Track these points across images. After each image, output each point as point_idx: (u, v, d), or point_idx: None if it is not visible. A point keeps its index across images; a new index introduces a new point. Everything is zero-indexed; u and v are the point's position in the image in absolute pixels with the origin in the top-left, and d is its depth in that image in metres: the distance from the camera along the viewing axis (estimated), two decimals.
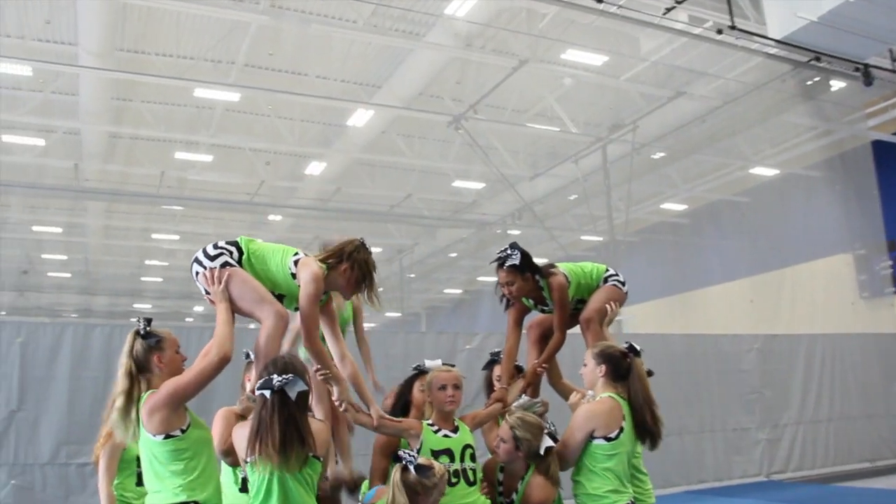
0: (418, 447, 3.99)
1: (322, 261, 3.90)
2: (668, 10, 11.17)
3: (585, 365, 4.16)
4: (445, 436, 4.08)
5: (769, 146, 18.66)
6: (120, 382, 3.50)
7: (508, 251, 4.58)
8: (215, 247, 3.85)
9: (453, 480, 3.94)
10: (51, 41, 13.87)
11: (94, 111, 15.74)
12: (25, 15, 13.12)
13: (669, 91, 15.37)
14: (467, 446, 4.11)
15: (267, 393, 3.26)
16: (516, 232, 22.55)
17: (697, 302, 22.03)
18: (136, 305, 32.70)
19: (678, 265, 22.18)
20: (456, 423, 4.18)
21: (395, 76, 15.16)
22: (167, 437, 3.36)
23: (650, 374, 4.18)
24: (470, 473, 4.05)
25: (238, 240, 3.93)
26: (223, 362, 3.44)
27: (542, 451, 3.93)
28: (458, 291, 31.61)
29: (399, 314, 28.77)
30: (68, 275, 27.87)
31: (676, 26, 11.90)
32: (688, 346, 10.98)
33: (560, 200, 21.11)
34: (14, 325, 7.03)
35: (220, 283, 3.71)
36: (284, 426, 3.22)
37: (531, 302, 4.77)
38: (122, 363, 3.54)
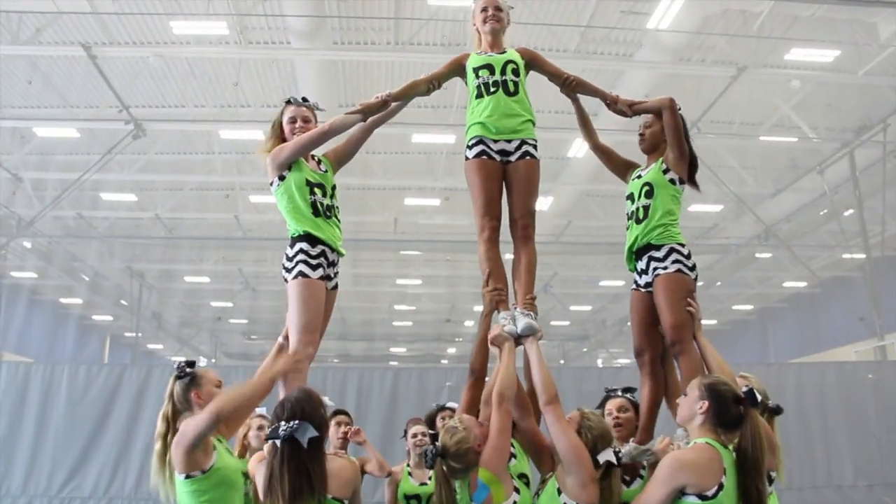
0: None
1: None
2: None
3: (686, 394, 3.42)
4: (488, 55, 4.30)
5: None
6: (158, 426, 3.55)
7: None
8: (292, 245, 3.99)
9: (492, 90, 4.17)
10: (278, 106, 14.95)
11: None
12: (254, 84, 14.27)
13: None
14: (510, 62, 4.25)
15: (277, 441, 3.04)
16: (766, 255, 20.90)
17: None
18: (392, 349, 34.24)
19: None
20: (505, 48, 4.35)
21: None
22: (187, 476, 3.29)
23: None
24: (511, 84, 4.19)
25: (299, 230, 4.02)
26: (214, 416, 3.27)
27: (599, 460, 3.39)
28: (713, 322, 29.76)
29: None
30: None
31: None
32: None
33: (810, 217, 19.21)
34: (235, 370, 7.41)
35: None
36: (294, 476, 2.98)
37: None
38: (163, 407, 3.59)
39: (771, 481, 3.64)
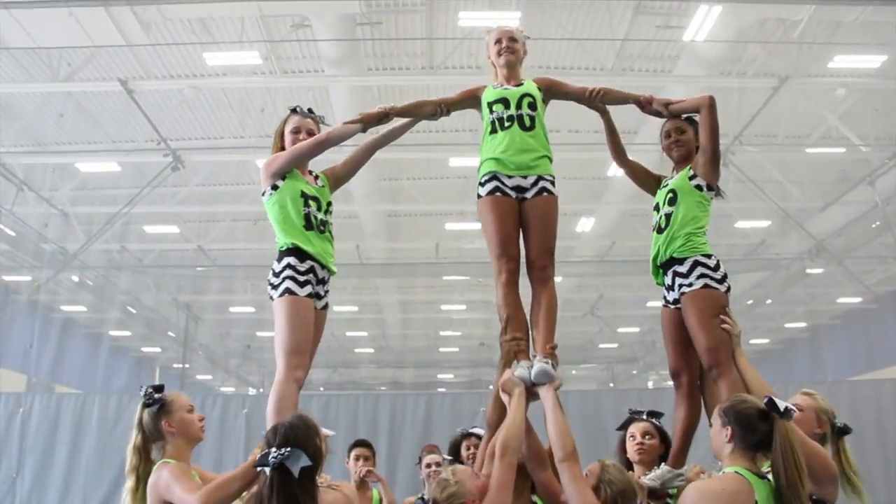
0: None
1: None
2: None
3: (711, 425, 3.13)
4: (504, 88, 4.11)
5: None
6: (128, 460, 3.39)
7: None
8: (279, 259, 3.82)
9: (506, 125, 3.97)
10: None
11: (366, 193, 16.70)
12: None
13: None
14: (526, 95, 4.05)
15: (266, 469, 2.83)
16: (818, 271, 20.29)
17: None
18: (439, 376, 33.99)
19: None
20: (522, 80, 4.17)
21: (650, 117, 14.37)
22: None
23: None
24: (526, 119, 3.99)
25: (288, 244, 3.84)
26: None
27: None
28: (765, 341, 29.03)
29: None
30: (372, 350, 29.66)
31: None
32: None
33: (862, 230, 18.60)
34: (240, 398, 7.36)
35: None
36: None
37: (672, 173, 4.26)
38: (131, 438, 3.43)
39: None
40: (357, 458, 5.41)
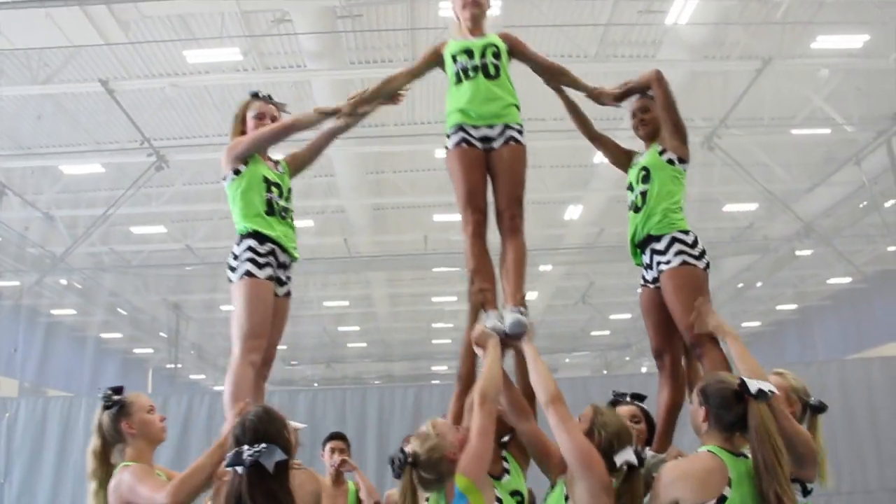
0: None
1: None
2: None
3: (691, 403, 3.07)
4: (467, 40, 4.05)
5: None
6: (87, 464, 3.32)
7: None
8: (239, 243, 3.81)
9: (471, 74, 3.91)
10: None
11: (353, 186, 16.61)
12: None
13: None
14: (490, 45, 4.00)
15: (240, 469, 2.71)
16: (807, 252, 20.32)
17: None
18: (433, 368, 33.96)
19: None
20: (486, 33, 4.11)
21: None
22: None
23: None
24: (491, 67, 3.93)
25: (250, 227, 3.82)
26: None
27: (617, 461, 2.95)
28: (756, 324, 29.09)
29: None
30: (364, 344, 29.57)
31: None
32: None
33: (850, 210, 18.62)
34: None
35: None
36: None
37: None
38: (90, 443, 3.36)
39: (807, 493, 3.23)
40: (332, 451, 5.39)
